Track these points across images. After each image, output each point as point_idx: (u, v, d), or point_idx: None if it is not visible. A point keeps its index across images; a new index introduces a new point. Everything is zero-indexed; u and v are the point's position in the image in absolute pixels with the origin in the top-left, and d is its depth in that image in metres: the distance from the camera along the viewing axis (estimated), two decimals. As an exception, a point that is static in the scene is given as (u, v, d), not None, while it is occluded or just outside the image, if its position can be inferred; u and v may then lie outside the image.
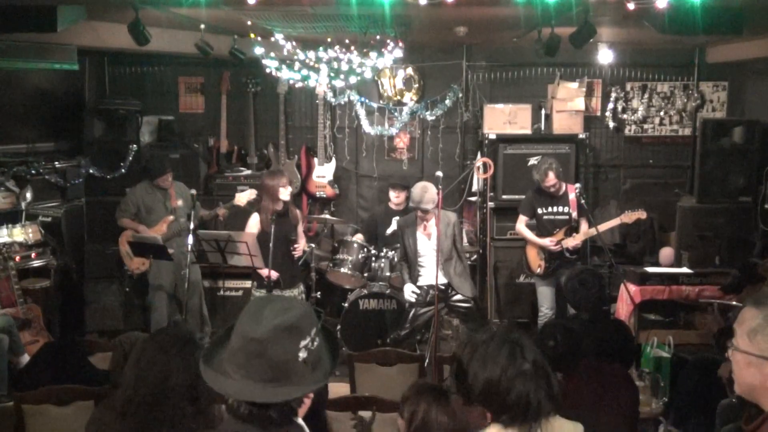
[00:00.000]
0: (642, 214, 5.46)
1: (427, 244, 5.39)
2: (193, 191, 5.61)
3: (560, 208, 5.67)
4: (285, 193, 5.14)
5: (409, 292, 5.38)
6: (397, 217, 6.31)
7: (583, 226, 5.68)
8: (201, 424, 2.20)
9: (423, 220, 5.36)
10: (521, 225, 5.84)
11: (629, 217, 5.48)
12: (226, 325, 5.67)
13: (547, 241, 5.61)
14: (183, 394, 2.19)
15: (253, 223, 5.22)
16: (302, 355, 1.58)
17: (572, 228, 5.63)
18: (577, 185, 5.63)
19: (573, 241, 5.57)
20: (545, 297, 5.74)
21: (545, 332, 3.32)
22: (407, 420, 2.34)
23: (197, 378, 2.28)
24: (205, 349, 1.72)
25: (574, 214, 5.62)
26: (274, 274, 5.17)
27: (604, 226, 5.61)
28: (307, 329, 1.61)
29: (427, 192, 5.23)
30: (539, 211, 5.72)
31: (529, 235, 5.77)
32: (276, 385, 1.56)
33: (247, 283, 6.17)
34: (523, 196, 6.01)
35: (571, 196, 5.60)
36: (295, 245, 5.27)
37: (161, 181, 5.88)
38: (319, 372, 1.64)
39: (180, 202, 5.90)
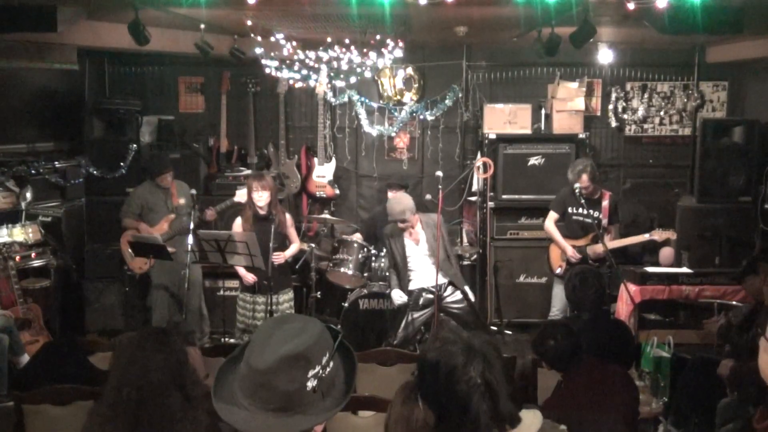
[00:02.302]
0: (672, 235, 5.48)
1: (415, 248, 5.40)
2: (193, 191, 5.63)
3: (591, 212, 5.60)
4: (256, 197, 5.10)
5: (397, 296, 5.37)
6: None
7: (612, 234, 5.62)
8: (190, 410, 2.21)
9: (405, 230, 5.37)
10: (550, 223, 5.79)
11: (660, 234, 5.48)
12: (225, 325, 5.63)
13: (570, 250, 5.59)
14: (168, 386, 2.19)
15: (236, 226, 5.26)
16: (311, 384, 1.51)
17: (599, 235, 5.56)
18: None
19: (598, 249, 5.52)
20: (559, 299, 5.71)
21: (546, 332, 3.31)
22: (385, 420, 2.31)
23: (180, 366, 2.29)
24: (216, 375, 1.65)
25: (605, 221, 5.58)
26: (252, 278, 5.17)
27: (631, 240, 5.57)
28: (316, 357, 1.53)
29: (400, 204, 5.27)
30: (570, 210, 5.68)
31: (556, 235, 5.74)
32: (284, 415, 1.51)
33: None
34: (523, 196, 6.00)
35: (605, 202, 5.56)
36: (276, 253, 5.10)
37: (160, 180, 5.89)
38: (331, 399, 1.57)
39: (182, 201, 5.90)
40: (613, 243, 5.58)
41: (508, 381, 1.75)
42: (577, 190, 5.53)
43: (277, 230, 5.13)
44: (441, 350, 1.75)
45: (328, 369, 1.55)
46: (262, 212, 5.16)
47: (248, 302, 5.28)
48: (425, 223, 5.40)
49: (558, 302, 5.73)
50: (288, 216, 5.41)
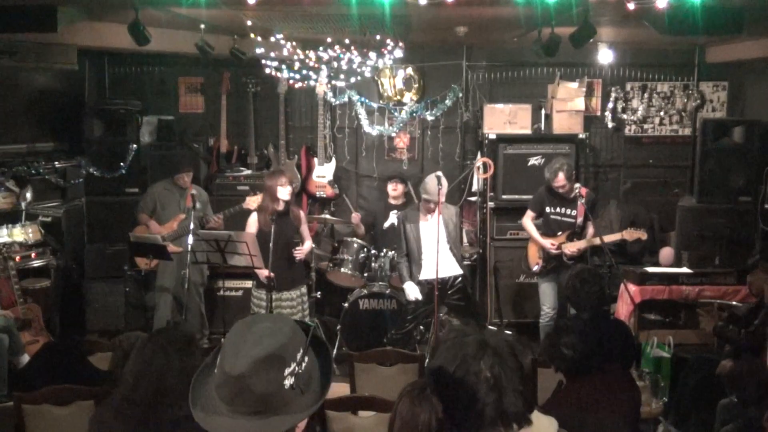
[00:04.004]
0: (643, 235, 5.51)
1: (429, 233, 5.35)
2: (194, 191, 5.63)
3: (568, 211, 5.65)
4: (284, 193, 5.12)
5: (411, 291, 5.36)
6: (395, 211, 6.31)
7: (589, 231, 5.67)
8: (199, 427, 2.20)
9: (428, 212, 5.36)
10: (527, 220, 5.84)
11: (630, 234, 5.52)
12: (225, 325, 5.65)
13: (548, 244, 5.62)
14: (181, 395, 2.17)
15: (252, 222, 5.24)
16: (288, 382, 1.49)
17: (575, 233, 5.62)
18: (577, 185, 5.62)
19: (572, 247, 5.57)
20: (547, 296, 5.75)
21: (561, 340, 3.22)
22: (389, 422, 2.31)
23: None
24: (192, 384, 1.63)
25: (580, 220, 5.61)
26: (268, 274, 5.16)
27: (605, 239, 5.58)
28: (291, 354, 1.51)
29: (442, 186, 5.25)
30: (548, 209, 5.72)
31: (533, 232, 5.78)
32: (265, 416, 1.49)
33: (247, 283, 6.17)
34: (523, 196, 6.02)
35: (581, 201, 5.59)
36: (297, 248, 5.23)
37: (178, 179, 5.99)
38: (310, 394, 1.56)
39: (197, 205, 5.91)
40: (583, 243, 5.60)
41: (523, 382, 1.74)
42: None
43: (293, 225, 5.20)
44: (455, 340, 1.77)
45: (303, 364, 1.53)
46: (281, 207, 5.16)
47: (263, 299, 5.27)
48: (445, 211, 5.42)
49: (547, 300, 5.75)
50: (302, 213, 5.43)
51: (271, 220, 5.05)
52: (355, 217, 6.49)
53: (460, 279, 5.48)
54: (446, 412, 1.74)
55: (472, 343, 1.74)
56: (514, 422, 1.70)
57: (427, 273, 5.37)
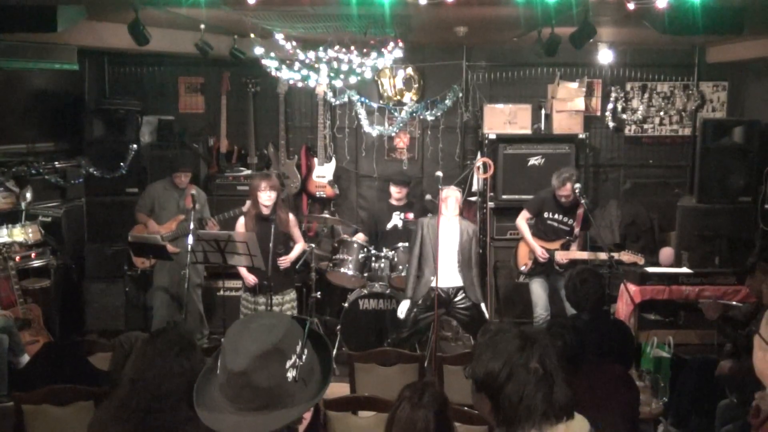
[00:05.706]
0: (640, 260, 5.51)
1: (444, 237, 5.31)
2: (193, 191, 5.64)
3: (566, 219, 5.65)
4: (265, 197, 5.08)
5: (402, 310, 5.35)
6: (398, 213, 6.31)
7: (580, 242, 5.67)
8: (201, 429, 2.19)
9: (443, 214, 5.29)
10: (521, 221, 5.84)
11: (629, 257, 5.49)
12: (225, 325, 5.66)
13: (539, 251, 5.62)
14: (180, 399, 2.16)
15: (239, 225, 5.23)
16: (291, 374, 1.52)
17: (569, 242, 5.63)
18: (577, 185, 5.62)
19: (565, 257, 5.57)
20: (539, 297, 5.75)
21: (553, 333, 3.26)
22: (386, 425, 2.31)
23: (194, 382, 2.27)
24: (196, 385, 1.65)
25: (577, 230, 5.60)
26: (253, 279, 5.15)
27: (601, 256, 5.55)
28: (291, 347, 1.54)
29: (441, 186, 5.30)
30: (546, 214, 5.72)
31: (527, 233, 5.78)
32: (270, 411, 1.52)
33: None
34: (523, 196, 6.02)
35: (579, 210, 5.58)
36: (282, 258, 5.15)
37: (175, 178, 6.00)
38: (312, 385, 1.59)
39: (197, 206, 5.91)
40: (577, 254, 5.59)
41: (564, 372, 1.73)
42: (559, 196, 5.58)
43: (279, 230, 5.12)
44: (495, 338, 1.75)
45: (303, 356, 1.55)
46: (266, 212, 5.14)
47: (250, 302, 5.28)
48: (463, 225, 5.41)
49: (540, 300, 5.75)
50: (291, 216, 5.40)
51: (256, 223, 5.04)
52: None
53: (463, 291, 5.41)
54: (495, 410, 1.73)
55: (515, 338, 1.73)
56: (564, 414, 1.69)
57: (442, 278, 5.29)
